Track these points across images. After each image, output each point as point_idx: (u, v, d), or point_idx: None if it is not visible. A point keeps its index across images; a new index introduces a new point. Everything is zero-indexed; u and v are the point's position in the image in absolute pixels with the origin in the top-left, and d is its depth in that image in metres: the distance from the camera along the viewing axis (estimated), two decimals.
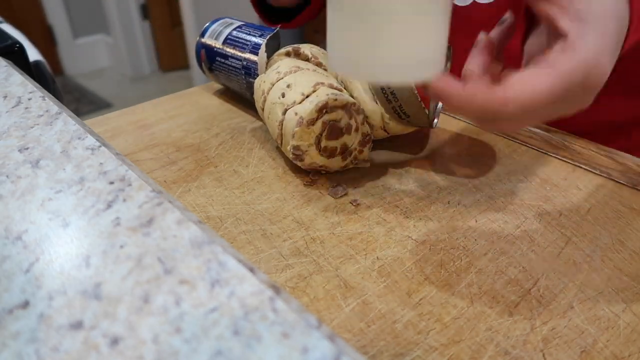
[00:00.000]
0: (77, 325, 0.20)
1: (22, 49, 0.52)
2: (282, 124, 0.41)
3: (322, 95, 0.40)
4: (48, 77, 0.90)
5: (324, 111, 0.40)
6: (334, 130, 0.41)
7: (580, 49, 0.27)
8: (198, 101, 0.57)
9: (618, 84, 0.34)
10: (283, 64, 0.44)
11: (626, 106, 0.52)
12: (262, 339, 0.19)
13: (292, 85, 0.41)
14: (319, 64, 0.46)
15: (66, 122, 0.35)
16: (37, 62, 0.91)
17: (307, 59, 0.47)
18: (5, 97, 0.40)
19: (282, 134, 0.42)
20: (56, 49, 2.75)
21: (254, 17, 0.70)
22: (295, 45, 0.48)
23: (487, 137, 0.49)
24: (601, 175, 0.43)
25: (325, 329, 0.19)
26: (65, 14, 2.70)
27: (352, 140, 0.42)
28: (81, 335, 0.20)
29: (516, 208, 0.39)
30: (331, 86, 0.42)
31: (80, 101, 2.56)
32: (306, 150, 0.41)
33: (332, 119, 0.40)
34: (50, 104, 0.38)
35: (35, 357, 0.19)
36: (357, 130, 0.42)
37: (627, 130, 0.55)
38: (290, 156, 0.41)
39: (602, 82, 0.28)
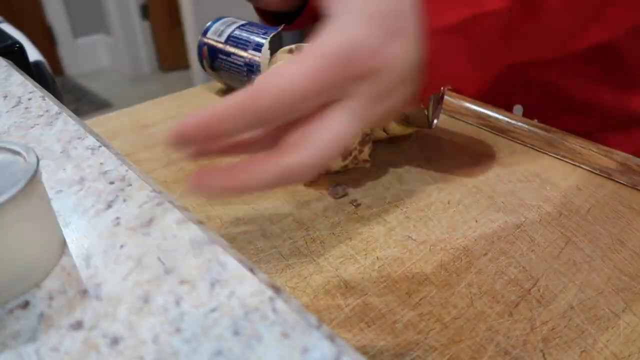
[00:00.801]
0: (77, 325, 0.20)
1: (22, 49, 0.52)
2: None
3: None
4: (48, 77, 0.90)
5: None
6: None
7: (335, 31, 0.22)
8: (198, 101, 0.57)
9: (620, 78, 0.34)
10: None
11: (629, 102, 0.52)
12: (262, 339, 0.19)
13: None
14: None
15: (66, 122, 0.35)
16: (37, 62, 0.91)
17: None
18: (5, 97, 0.40)
19: None
20: (56, 49, 2.75)
21: (254, 17, 0.70)
22: (298, 44, 0.48)
23: (487, 137, 0.49)
24: (601, 175, 0.43)
25: (325, 329, 0.19)
26: (65, 14, 2.70)
27: (352, 140, 0.42)
28: (81, 335, 0.20)
29: (516, 208, 0.39)
30: None
31: (80, 101, 2.56)
32: None
33: None
34: (50, 104, 0.38)
35: (35, 357, 0.19)
36: None
37: (627, 129, 0.55)
38: None
39: (382, 63, 0.23)
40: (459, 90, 0.32)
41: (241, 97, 0.22)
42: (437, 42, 0.24)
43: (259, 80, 0.22)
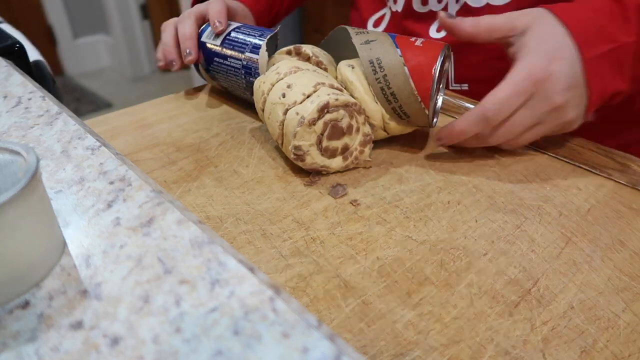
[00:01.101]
0: (77, 325, 0.20)
1: (22, 49, 0.52)
2: (283, 124, 0.41)
3: (323, 95, 0.40)
4: (48, 77, 0.90)
5: (325, 111, 0.40)
6: (336, 130, 0.41)
7: (519, 62, 0.40)
8: (198, 101, 0.57)
9: None
10: (282, 64, 0.44)
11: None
12: (262, 339, 0.19)
13: (292, 85, 0.41)
14: (319, 63, 0.46)
15: (66, 122, 0.36)
16: (37, 62, 0.91)
17: (307, 58, 0.47)
18: (5, 97, 0.40)
19: (283, 134, 0.42)
20: (56, 49, 2.75)
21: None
22: (296, 45, 0.48)
23: None
24: (601, 175, 0.43)
25: (325, 329, 0.19)
26: (65, 14, 2.70)
27: (353, 140, 0.42)
28: (81, 335, 0.20)
29: (516, 208, 0.39)
30: (332, 86, 0.42)
31: (80, 101, 2.56)
32: (307, 151, 0.41)
33: (333, 119, 0.40)
34: (50, 104, 0.38)
35: (35, 357, 0.19)
36: (358, 130, 0.42)
37: (619, 128, 0.56)
38: (292, 156, 0.41)
39: (559, 83, 0.38)
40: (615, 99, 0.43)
41: (476, 112, 0.41)
42: (589, 67, 0.39)
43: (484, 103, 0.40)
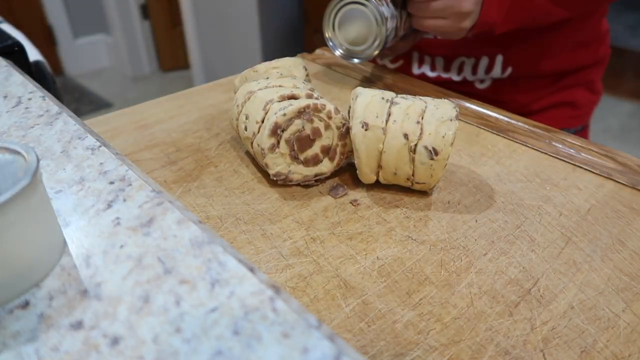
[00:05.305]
0: (77, 325, 0.20)
1: (22, 49, 0.52)
2: (256, 156, 0.41)
3: (272, 116, 0.38)
4: (48, 77, 0.90)
5: (278, 131, 0.38)
6: (304, 141, 0.39)
7: None
8: (198, 101, 0.57)
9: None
10: (239, 93, 0.43)
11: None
12: (262, 339, 0.19)
13: (248, 115, 0.40)
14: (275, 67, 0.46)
15: (66, 122, 0.36)
16: (37, 62, 0.91)
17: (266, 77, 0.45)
18: (5, 97, 0.40)
19: (265, 165, 0.41)
20: (56, 49, 2.75)
21: (252, 18, 0.70)
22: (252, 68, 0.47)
23: (487, 137, 0.49)
24: (601, 175, 0.43)
25: (325, 329, 0.19)
26: (65, 14, 2.70)
27: (329, 139, 0.40)
28: (81, 335, 0.20)
29: (516, 208, 0.39)
30: (282, 97, 0.40)
31: (80, 101, 2.56)
32: (289, 171, 0.40)
33: (294, 133, 0.39)
34: (51, 104, 0.38)
35: (36, 357, 0.19)
36: (327, 127, 0.40)
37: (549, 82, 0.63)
38: (279, 182, 0.41)
39: (467, 11, 0.49)
40: (491, 29, 0.54)
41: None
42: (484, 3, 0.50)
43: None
